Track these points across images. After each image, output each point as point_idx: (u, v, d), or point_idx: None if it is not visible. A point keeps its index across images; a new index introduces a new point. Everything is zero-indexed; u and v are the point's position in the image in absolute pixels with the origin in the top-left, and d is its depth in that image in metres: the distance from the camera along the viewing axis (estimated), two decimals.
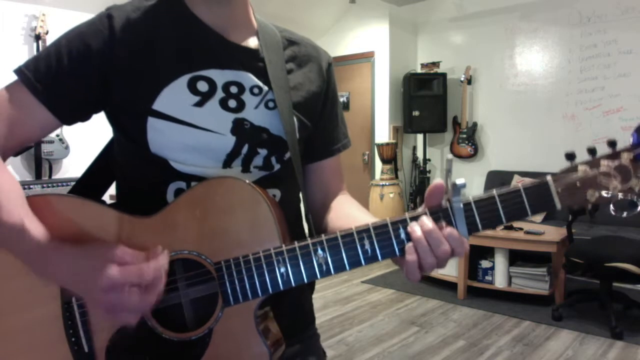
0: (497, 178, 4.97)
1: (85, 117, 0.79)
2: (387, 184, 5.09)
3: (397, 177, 5.30)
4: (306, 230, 0.89)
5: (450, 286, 3.93)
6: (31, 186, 3.24)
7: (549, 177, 0.65)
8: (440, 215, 0.67)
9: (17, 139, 0.74)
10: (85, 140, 3.40)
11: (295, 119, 0.83)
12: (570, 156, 0.65)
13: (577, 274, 3.44)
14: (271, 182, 0.82)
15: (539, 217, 4.46)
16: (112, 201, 0.82)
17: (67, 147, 3.82)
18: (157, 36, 0.77)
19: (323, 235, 0.69)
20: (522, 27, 4.99)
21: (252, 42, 0.84)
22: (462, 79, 5.26)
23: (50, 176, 3.84)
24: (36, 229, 0.66)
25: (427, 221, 0.66)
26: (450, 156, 0.69)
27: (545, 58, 4.87)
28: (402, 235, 0.67)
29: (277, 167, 0.83)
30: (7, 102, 0.73)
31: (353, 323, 3.40)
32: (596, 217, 4.13)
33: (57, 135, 3.77)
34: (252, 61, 0.82)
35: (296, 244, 0.69)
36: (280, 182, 0.84)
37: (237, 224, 0.71)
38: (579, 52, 4.66)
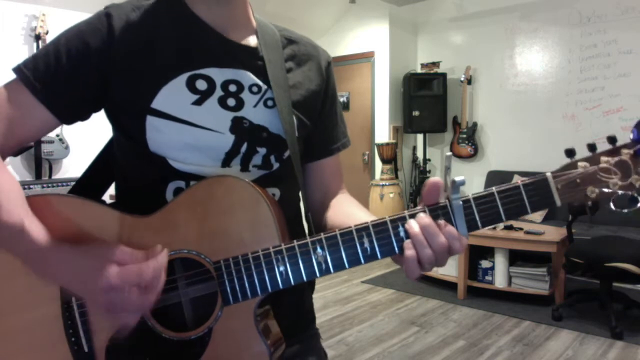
0: (497, 178, 4.97)
1: (84, 116, 0.79)
2: (387, 184, 5.09)
3: (397, 177, 5.29)
4: (306, 229, 0.89)
5: (450, 286, 3.93)
6: (31, 186, 3.23)
7: (548, 174, 0.65)
8: (440, 212, 0.67)
9: (16, 139, 0.74)
10: (85, 140, 3.40)
11: (294, 118, 0.83)
12: (570, 153, 0.65)
13: (577, 274, 3.43)
14: (270, 181, 0.82)
15: (539, 217, 4.46)
16: (112, 201, 0.82)
17: (67, 147, 3.82)
18: (156, 35, 0.77)
19: (322, 234, 0.69)
20: (522, 27, 4.98)
21: (252, 41, 0.84)
22: (462, 79, 5.26)
23: (50, 176, 3.84)
24: (36, 229, 0.66)
25: (424, 217, 0.66)
26: (448, 153, 0.69)
27: (545, 58, 4.87)
28: (402, 233, 0.67)
29: (276, 166, 0.83)
30: (6, 101, 0.72)
31: (353, 323, 3.40)
32: (596, 217, 4.13)
33: (57, 135, 3.77)
34: (251, 60, 0.82)
35: (295, 243, 0.69)
36: (280, 181, 0.84)
37: (237, 223, 0.70)
38: (579, 52, 4.66)
